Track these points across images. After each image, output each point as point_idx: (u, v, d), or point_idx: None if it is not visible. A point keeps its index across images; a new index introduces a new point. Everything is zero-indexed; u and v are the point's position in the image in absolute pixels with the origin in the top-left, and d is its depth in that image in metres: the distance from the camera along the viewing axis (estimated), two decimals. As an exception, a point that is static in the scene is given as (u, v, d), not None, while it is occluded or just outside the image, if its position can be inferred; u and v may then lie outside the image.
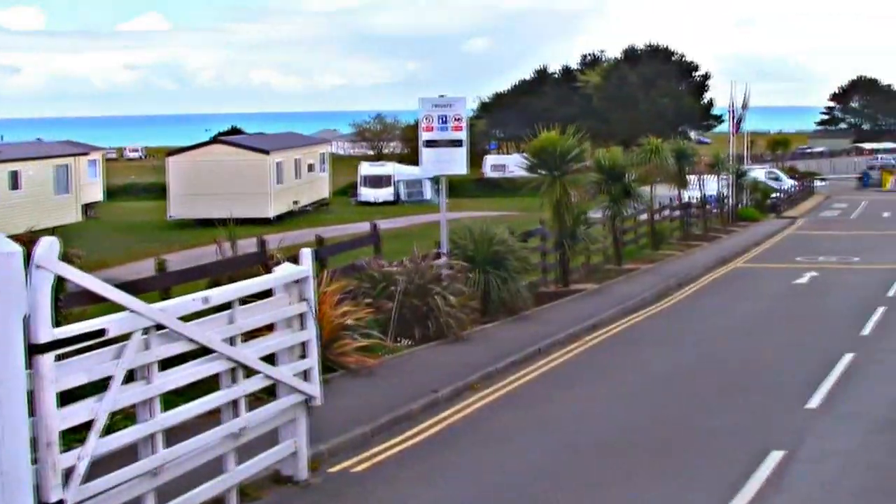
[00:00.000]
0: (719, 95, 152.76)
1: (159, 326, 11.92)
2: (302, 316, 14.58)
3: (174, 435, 12.49)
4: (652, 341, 26.47)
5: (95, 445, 10.86)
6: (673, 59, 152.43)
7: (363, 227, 37.07)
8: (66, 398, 10.68)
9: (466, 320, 24.94)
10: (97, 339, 11.00)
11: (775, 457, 15.87)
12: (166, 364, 12.32)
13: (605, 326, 27.94)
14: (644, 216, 45.80)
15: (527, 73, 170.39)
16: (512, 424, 18.36)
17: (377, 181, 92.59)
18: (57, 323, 10.64)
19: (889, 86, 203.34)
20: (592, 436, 17.58)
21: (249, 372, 13.65)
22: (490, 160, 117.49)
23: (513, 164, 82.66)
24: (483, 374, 21.37)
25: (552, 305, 30.46)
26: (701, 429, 17.90)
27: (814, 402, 19.40)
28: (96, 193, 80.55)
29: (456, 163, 28.71)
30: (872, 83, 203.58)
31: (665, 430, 17.95)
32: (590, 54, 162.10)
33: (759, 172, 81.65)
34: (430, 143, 28.58)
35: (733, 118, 70.41)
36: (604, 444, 17.03)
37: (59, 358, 10.49)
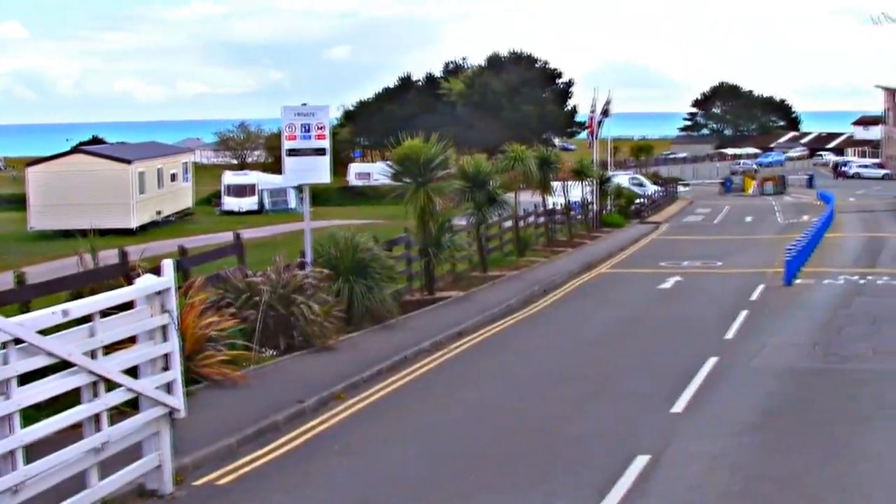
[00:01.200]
0: (583, 102, 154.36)
1: (17, 340, 11.66)
2: (164, 328, 14.37)
3: (35, 451, 12.23)
4: (517, 348, 26.56)
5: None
6: (536, 66, 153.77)
7: (227, 236, 36.60)
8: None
9: (332, 329, 24.81)
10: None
11: (641, 461, 16.00)
12: (26, 378, 12.06)
13: (471, 334, 27.98)
14: (509, 223, 46.02)
15: (390, 81, 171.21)
16: (377, 434, 18.26)
17: (241, 190, 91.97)
18: None
19: (750, 92, 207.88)
20: (458, 445, 17.55)
21: (111, 385, 13.41)
22: (354, 168, 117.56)
23: (377, 172, 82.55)
24: (349, 384, 21.25)
25: (418, 313, 30.43)
26: (567, 435, 17.98)
27: (678, 407, 19.62)
28: (-48, 205, 78.85)
29: (319, 171, 28.60)
30: (734, 89, 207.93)
31: (531, 436, 18.00)
32: (453, 62, 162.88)
33: (622, 178, 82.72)
34: (293, 152, 28.41)
35: (594, 124, 71.10)
36: (470, 453, 16.99)
37: None
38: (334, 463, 16.57)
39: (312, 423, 18.72)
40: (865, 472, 15.82)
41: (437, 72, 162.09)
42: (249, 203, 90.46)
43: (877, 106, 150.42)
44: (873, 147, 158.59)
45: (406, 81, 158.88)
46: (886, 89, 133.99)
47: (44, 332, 12.18)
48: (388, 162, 35.40)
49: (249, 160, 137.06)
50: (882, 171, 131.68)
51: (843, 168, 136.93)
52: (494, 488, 15.21)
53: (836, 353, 24.88)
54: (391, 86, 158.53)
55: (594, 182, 62.19)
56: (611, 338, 27.76)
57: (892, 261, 45.10)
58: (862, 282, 37.80)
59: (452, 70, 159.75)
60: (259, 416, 18.31)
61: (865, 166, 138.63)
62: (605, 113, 70.85)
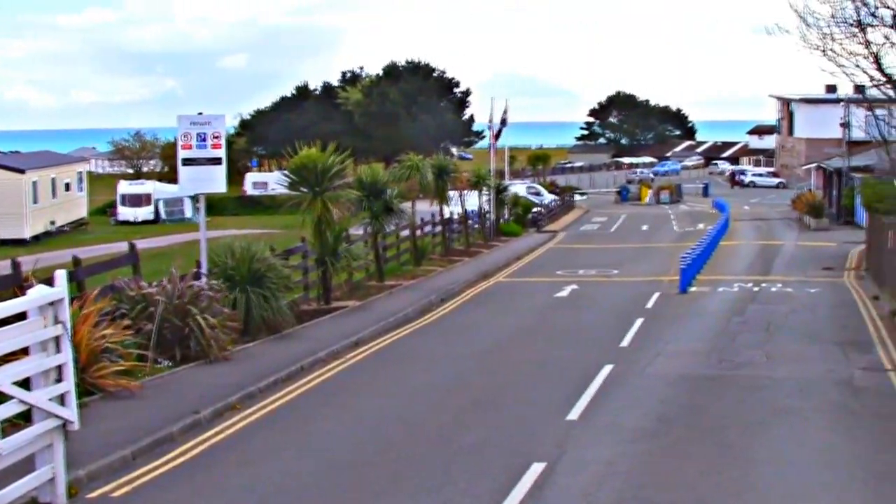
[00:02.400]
0: (480, 112, 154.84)
1: None
2: (57, 339, 14.19)
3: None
4: (414, 357, 26.58)
5: None
6: (434, 75, 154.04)
7: (122, 246, 36.25)
8: None
9: (228, 340, 24.67)
10: None
11: (536, 468, 16.09)
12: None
13: (368, 343, 27.95)
14: (406, 232, 46.05)
15: (287, 90, 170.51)
16: (272, 444, 18.18)
17: (136, 200, 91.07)
18: None
19: (646, 101, 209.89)
20: (355, 453, 17.51)
21: (3, 397, 13.23)
22: (251, 178, 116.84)
23: (274, 181, 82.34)
24: (245, 394, 21.13)
25: (315, 323, 30.35)
26: (463, 443, 18.01)
27: (574, 414, 19.75)
28: None
29: (215, 181, 28.44)
30: (630, 99, 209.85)
31: (427, 445, 18.03)
32: (350, 71, 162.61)
33: (519, 187, 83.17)
34: (189, 161, 28.24)
35: (493, 133, 71.32)
36: (366, 462, 16.98)
37: None
38: (230, 473, 16.46)
39: (208, 434, 18.58)
40: (760, 476, 16.03)
41: (335, 81, 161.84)
42: (145, 213, 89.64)
43: (771, 115, 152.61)
44: (768, 156, 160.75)
45: (303, 90, 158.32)
46: (780, 99, 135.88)
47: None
48: (285, 171, 35.25)
49: (145, 169, 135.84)
50: (776, 180, 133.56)
51: (740, 177, 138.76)
52: (390, 497, 15.21)
53: (730, 360, 25.22)
54: (288, 95, 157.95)
55: (491, 191, 62.39)
56: (507, 346, 27.87)
57: (785, 268, 45.87)
58: (756, 289, 38.37)
59: (350, 79, 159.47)
60: (154, 428, 18.14)
61: (760, 175, 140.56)
62: (503, 122, 71.10)
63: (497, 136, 71.02)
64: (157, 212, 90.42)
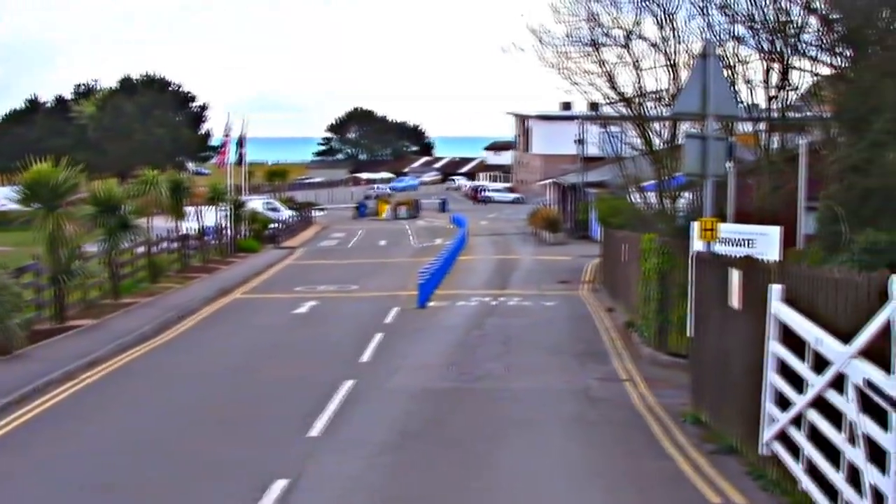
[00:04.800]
0: (218, 127, 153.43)
1: None
2: None
3: None
4: (152, 376, 25.96)
5: None
6: (170, 89, 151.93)
7: None
8: None
9: (-46, 362, 23.62)
10: None
11: (279, 485, 15.87)
12: None
13: (105, 362, 27.17)
14: (142, 249, 45.06)
15: (17, 103, 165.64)
16: (7, 469, 17.45)
17: None
18: None
19: (384, 117, 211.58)
20: (91, 477, 16.94)
21: None
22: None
23: (3, 197, 79.57)
24: (-31, 421, 20.25)
25: (48, 343, 29.32)
26: (205, 462, 17.66)
27: (315, 430, 19.57)
28: None
29: (-60, 195, 27.28)
30: (368, 114, 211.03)
31: (168, 464, 17.60)
32: (84, 84, 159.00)
33: (257, 203, 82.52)
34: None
35: (228, 148, 70.59)
36: (103, 485, 16.45)
37: None
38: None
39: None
40: (501, 486, 16.18)
41: (68, 94, 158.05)
42: None
43: (508, 132, 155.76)
44: (505, 172, 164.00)
45: (34, 104, 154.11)
46: (517, 115, 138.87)
47: None
48: (17, 186, 34.07)
49: None
50: (513, 196, 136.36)
51: (482, 193, 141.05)
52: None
53: (470, 373, 25.42)
54: (18, 108, 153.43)
55: (229, 207, 61.72)
56: (247, 363, 27.48)
57: (522, 282, 46.63)
58: (494, 303, 38.88)
59: (83, 92, 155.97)
60: None
61: (498, 191, 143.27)
62: (241, 137, 70.40)
63: (236, 151, 70.27)
64: None
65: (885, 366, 10.91)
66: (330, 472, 16.85)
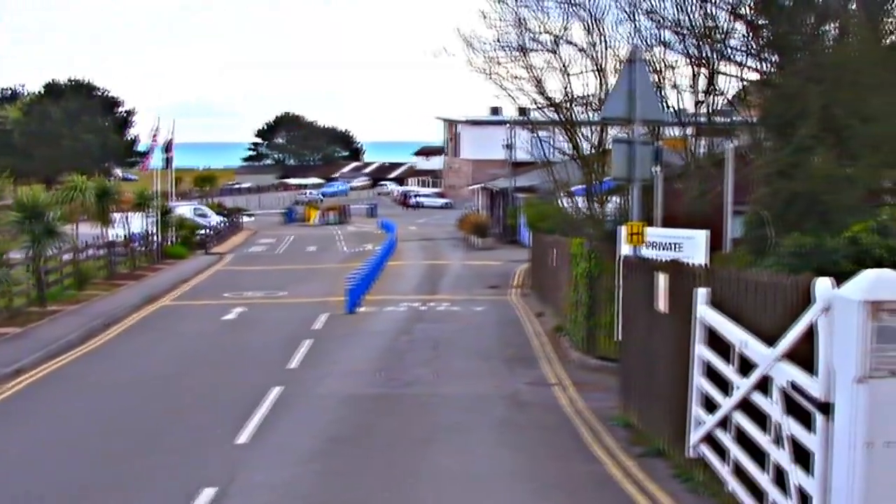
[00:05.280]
0: (145, 132, 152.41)
1: None
2: None
3: None
4: (79, 384, 25.65)
5: None
6: (96, 94, 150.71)
7: None
8: None
9: None
10: None
11: (208, 493, 15.73)
12: None
13: (30, 371, 26.84)
14: (68, 256, 44.59)
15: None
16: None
17: None
18: None
19: (314, 122, 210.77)
20: (14, 487, 16.71)
21: None
22: None
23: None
24: None
25: (-29, 351, 28.97)
26: (131, 470, 17.45)
27: (243, 438, 19.42)
28: None
29: None
30: (297, 119, 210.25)
31: (93, 472, 17.43)
32: (9, 88, 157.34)
33: (186, 209, 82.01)
34: None
35: (153, 153, 70.01)
36: (30, 494, 16.22)
37: None
38: None
39: None
40: (430, 491, 16.14)
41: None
42: None
43: (437, 137, 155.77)
44: (434, 177, 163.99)
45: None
46: (447, 120, 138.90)
47: None
48: (-63, 192, 33.65)
49: None
50: (442, 201, 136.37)
51: (412, 198, 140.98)
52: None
53: (398, 379, 25.38)
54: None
55: (156, 213, 61.26)
56: (175, 371, 27.25)
57: (452, 287, 46.64)
58: (423, 308, 38.86)
59: (9, 97, 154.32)
60: None
61: (428, 196, 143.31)
62: (168, 145, 69.85)
63: (164, 156, 69.67)
64: None
65: (809, 368, 10.99)
66: (258, 480, 16.71)
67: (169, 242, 64.70)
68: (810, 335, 11.00)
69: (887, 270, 10.17)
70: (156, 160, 69.54)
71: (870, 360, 9.91)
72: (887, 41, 32.69)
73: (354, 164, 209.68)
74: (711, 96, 34.11)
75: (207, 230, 76.49)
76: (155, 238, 61.24)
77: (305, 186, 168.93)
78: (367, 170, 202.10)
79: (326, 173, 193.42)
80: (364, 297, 40.99)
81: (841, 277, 10.61)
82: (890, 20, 33.02)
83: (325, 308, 38.55)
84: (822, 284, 10.76)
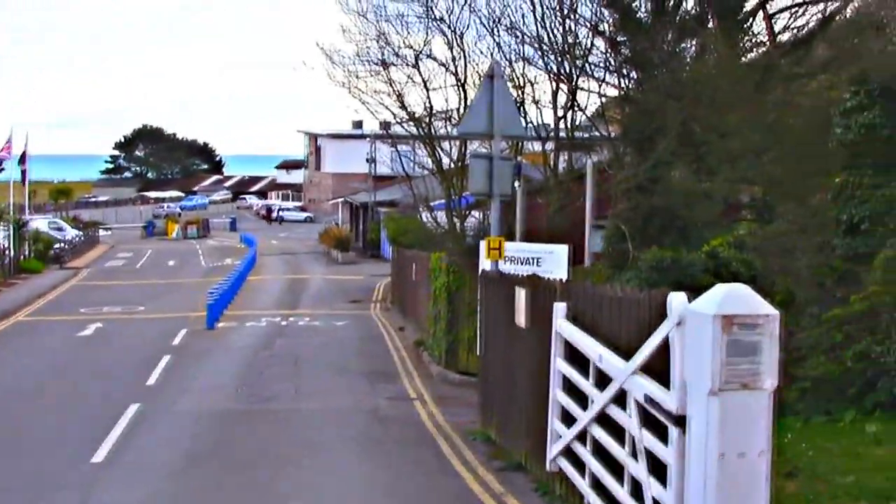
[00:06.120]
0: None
1: None
2: None
3: None
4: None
5: None
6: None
7: None
8: None
9: None
10: None
11: (62, 515, 15.43)
12: None
13: None
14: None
15: None
16: None
17: None
18: None
19: (174, 135, 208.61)
20: None
21: None
22: None
23: None
24: None
25: None
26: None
27: (99, 456, 19.04)
28: None
29: None
30: (157, 132, 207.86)
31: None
32: None
33: (41, 222, 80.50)
34: None
35: (4, 165, 68.71)
36: None
37: None
38: None
39: None
40: (288, 510, 16.02)
41: None
42: None
43: (299, 150, 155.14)
44: (296, 191, 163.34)
45: None
46: (308, 134, 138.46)
47: None
48: None
49: None
50: (304, 215, 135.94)
51: (274, 212, 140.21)
52: None
53: (259, 394, 25.19)
54: None
55: (10, 226, 60.00)
56: (29, 389, 26.66)
57: (313, 302, 46.49)
58: (284, 323, 38.66)
59: None
60: None
61: (289, 210, 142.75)
62: (23, 157, 68.52)
63: (18, 168, 68.41)
64: None
65: (665, 381, 11.11)
66: (115, 499, 16.44)
67: (23, 257, 63.37)
68: (665, 349, 11.12)
69: (739, 285, 10.33)
70: (12, 171, 68.26)
71: (722, 373, 10.04)
72: (745, 58, 33.43)
73: (215, 177, 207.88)
74: (572, 112, 34.49)
75: (63, 244, 75.08)
76: (9, 252, 59.92)
77: (165, 200, 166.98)
78: (228, 183, 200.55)
79: (186, 186, 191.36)
80: (225, 313, 40.63)
81: (699, 291, 10.74)
82: (747, 38, 33.77)
83: (185, 323, 38.12)
84: (677, 299, 10.88)
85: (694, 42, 32.83)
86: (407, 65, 37.12)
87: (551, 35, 33.66)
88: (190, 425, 21.94)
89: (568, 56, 33.72)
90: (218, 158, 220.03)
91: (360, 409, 23.56)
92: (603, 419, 13.36)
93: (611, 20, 33.32)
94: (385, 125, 43.91)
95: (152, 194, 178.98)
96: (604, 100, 34.65)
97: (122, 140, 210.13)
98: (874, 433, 17.23)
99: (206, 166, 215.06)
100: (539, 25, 33.68)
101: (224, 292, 42.04)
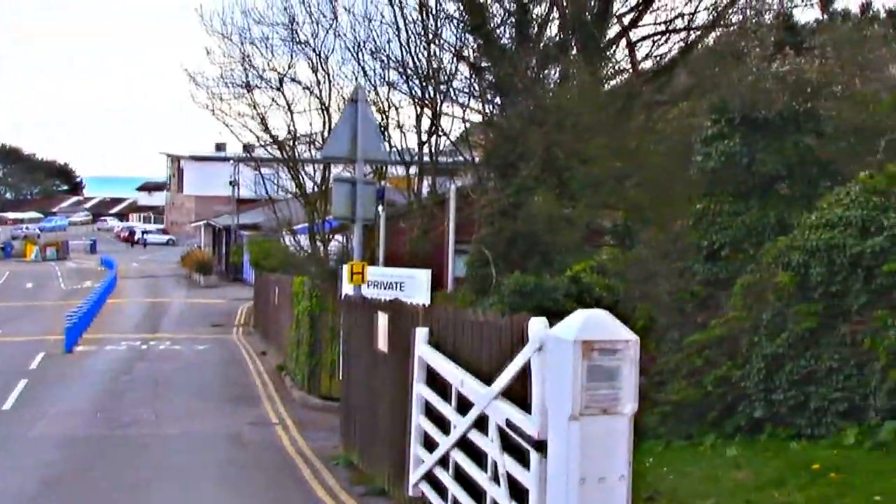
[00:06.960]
0: None
1: None
2: None
3: None
4: None
5: None
6: None
7: None
8: None
9: None
10: None
11: None
12: None
13: None
14: None
15: None
16: None
17: None
18: None
19: (33, 155, 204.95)
20: None
21: None
22: None
23: None
24: None
25: None
26: None
27: (-49, 482, 18.64)
28: None
29: None
30: (15, 152, 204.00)
31: None
32: None
33: None
34: None
35: None
36: None
37: None
38: None
39: None
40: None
41: None
42: None
43: (161, 172, 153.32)
44: (158, 213, 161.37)
45: None
46: (170, 156, 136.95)
47: None
48: None
49: None
50: (166, 237, 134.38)
51: (135, 235, 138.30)
52: None
53: (117, 420, 24.82)
54: None
55: None
56: None
57: (174, 326, 45.99)
58: (144, 347, 38.18)
59: None
60: None
61: (151, 232, 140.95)
62: None
63: None
64: None
65: (526, 406, 11.15)
66: (-35, 528, 16.06)
67: None
68: (526, 374, 11.17)
69: (599, 310, 10.41)
70: None
71: (583, 398, 10.11)
72: (607, 85, 33.89)
73: (75, 198, 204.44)
74: (436, 136, 34.66)
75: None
76: None
77: (23, 220, 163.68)
78: (88, 204, 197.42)
79: (45, 207, 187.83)
80: (84, 336, 39.99)
81: (561, 316, 10.79)
82: (610, 65, 34.24)
83: (43, 347, 37.43)
84: (536, 324, 10.94)
85: (557, 69, 33.20)
86: (271, 88, 37.03)
87: (415, 60, 33.82)
88: (45, 451, 21.50)
89: (432, 81, 33.88)
90: (78, 179, 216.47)
91: (221, 434, 23.31)
92: (464, 444, 13.37)
93: (474, 46, 33.57)
94: (248, 148, 43.66)
95: (10, 215, 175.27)
96: (467, 125, 34.88)
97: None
98: (734, 457, 17.50)
99: (65, 187, 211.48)
100: (403, 50, 33.85)
101: (83, 315, 41.40)
